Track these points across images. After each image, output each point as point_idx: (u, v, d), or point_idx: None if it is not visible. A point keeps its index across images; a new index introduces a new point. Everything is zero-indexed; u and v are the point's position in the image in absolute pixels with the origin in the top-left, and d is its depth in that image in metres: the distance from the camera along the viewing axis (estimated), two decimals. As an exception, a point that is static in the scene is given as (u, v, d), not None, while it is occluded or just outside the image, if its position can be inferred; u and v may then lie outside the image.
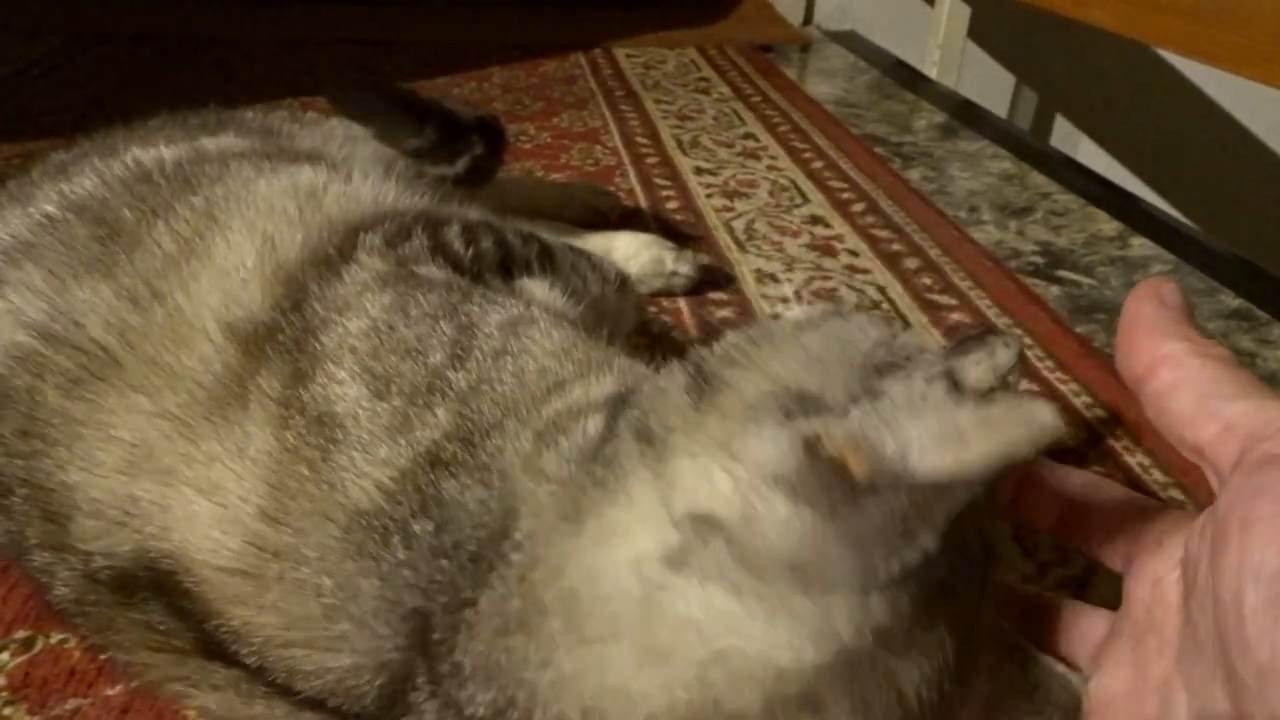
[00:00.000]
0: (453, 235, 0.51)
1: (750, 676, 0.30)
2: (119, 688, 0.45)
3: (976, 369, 0.55)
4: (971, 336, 0.59)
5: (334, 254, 0.46)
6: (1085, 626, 0.40)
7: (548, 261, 0.54)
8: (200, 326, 0.41)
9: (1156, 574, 0.36)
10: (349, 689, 0.36)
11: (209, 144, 0.56)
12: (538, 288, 0.52)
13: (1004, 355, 0.56)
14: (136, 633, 0.39)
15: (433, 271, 0.47)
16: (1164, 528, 0.37)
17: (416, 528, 0.35)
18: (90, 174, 0.51)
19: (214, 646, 0.37)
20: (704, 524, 0.31)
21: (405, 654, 0.35)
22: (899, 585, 0.30)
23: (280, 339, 0.41)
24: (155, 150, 0.53)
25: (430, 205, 0.56)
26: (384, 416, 0.38)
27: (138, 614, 0.39)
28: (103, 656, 0.44)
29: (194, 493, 0.38)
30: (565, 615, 0.32)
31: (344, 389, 0.39)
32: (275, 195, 0.48)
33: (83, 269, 0.44)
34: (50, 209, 0.48)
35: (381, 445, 0.37)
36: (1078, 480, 0.42)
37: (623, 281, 0.59)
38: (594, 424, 0.37)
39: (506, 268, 0.52)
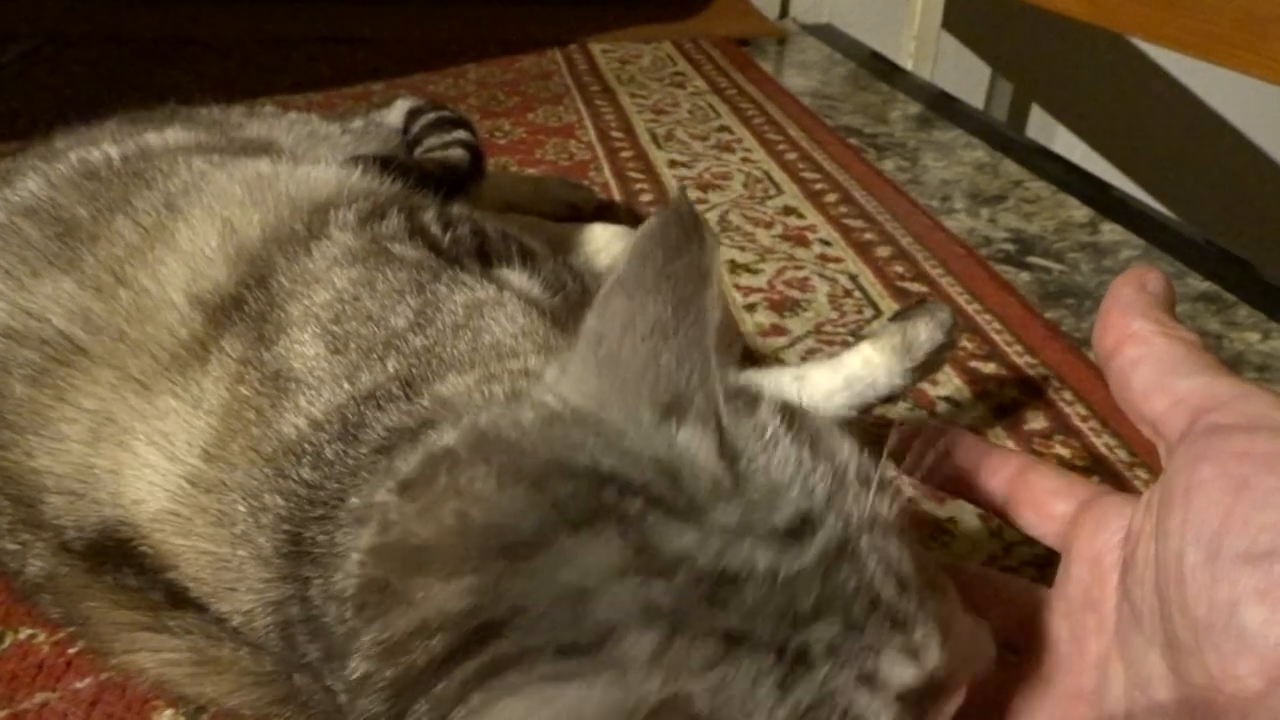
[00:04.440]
0: (429, 219, 0.51)
1: None
2: (87, 680, 0.45)
3: (927, 329, 0.57)
4: (910, 306, 0.61)
5: (301, 230, 0.46)
6: (1018, 600, 0.39)
7: (529, 258, 0.54)
8: (167, 299, 0.42)
9: (1096, 553, 0.36)
10: (256, 631, 0.36)
11: (154, 139, 0.56)
12: (515, 277, 0.51)
13: (943, 314, 0.58)
14: (108, 595, 0.40)
15: (407, 250, 0.47)
16: (1105, 509, 0.37)
17: (329, 452, 0.35)
18: (33, 176, 0.50)
19: (178, 596, 0.38)
20: None
21: (285, 584, 0.34)
22: None
23: (246, 309, 0.41)
24: (99, 149, 0.53)
25: (404, 191, 0.56)
26: (337, 367, 0.38)
27: (110, 577, 0.39)
28: (72, 637, 0.45)
29: (145, 445, 0.38)
30: None
31: (303, 349, 0.39)
32: (229, 183, 0.48)
33: (42, 266, 0.44)
34: None
35: (325, 388, 0.38)
36: (1016, 462, 0.41)
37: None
38: None
39: (485, 255, 0.52)
